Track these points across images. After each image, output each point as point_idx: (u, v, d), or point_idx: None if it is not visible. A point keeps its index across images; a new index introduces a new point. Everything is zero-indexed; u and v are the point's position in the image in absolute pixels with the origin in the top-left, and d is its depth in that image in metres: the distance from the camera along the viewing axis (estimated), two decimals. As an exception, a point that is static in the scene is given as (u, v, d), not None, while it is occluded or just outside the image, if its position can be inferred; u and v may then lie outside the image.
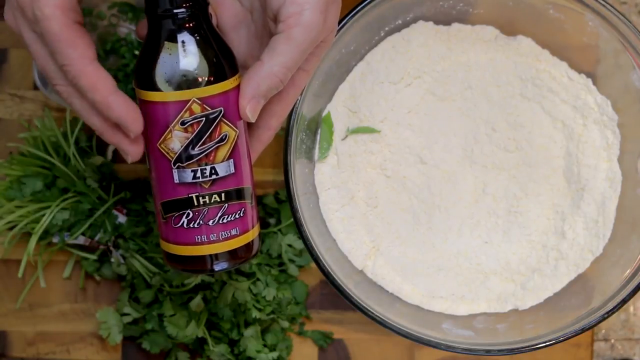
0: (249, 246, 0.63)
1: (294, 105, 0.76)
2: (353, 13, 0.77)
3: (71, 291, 0.86)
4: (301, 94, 0.77)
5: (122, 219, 0.83)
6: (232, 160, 0.61)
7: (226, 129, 0.60)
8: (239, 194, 0.62)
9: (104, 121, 0.59)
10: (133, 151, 0.60)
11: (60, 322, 0.86)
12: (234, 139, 0.61)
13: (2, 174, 0.83)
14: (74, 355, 0.86)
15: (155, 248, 0.82)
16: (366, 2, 0.77)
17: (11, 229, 0.82)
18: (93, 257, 0.84)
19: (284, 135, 0.77)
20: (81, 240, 0.83)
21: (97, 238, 0.83)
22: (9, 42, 0.87)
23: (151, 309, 0.83)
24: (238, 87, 0.61)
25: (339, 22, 0.77)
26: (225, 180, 0.61)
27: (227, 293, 0.82)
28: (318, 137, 0.83)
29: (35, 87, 0.86)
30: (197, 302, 0.81)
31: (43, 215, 0.81)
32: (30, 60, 0.86)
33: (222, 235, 0.62)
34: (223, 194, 0.61)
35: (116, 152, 0.86)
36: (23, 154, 0.84)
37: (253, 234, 0.64)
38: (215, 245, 0.62)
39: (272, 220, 0.86)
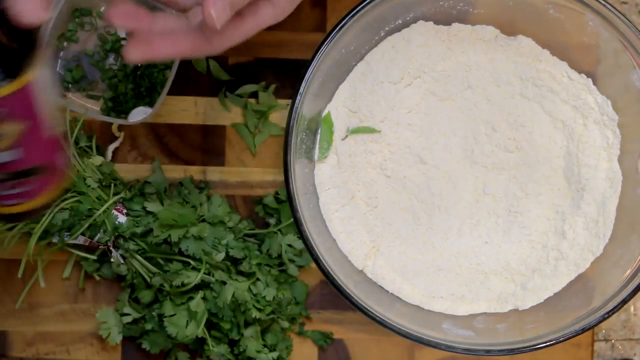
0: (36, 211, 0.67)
1: (294, 105, 0.76)
2: (353, 13, 0.77)
3: (71, 291, 0.86)
4: (301, 95, 0.77)
5: (122, 219, 0.83)
6: (19, 148, 0.62)
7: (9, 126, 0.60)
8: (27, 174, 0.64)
9: None
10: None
11: (60, 322, 0.86)
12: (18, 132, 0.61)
13: (2, 174, 0.83)
14: (74, 355, 0.86)
15: (156, 248, 0.82)
16: (366, 2, 0.77)
17: (11, 229, 0.82)
18: (93, 257, 0.84)
19: (284, 135, 0.77)
20: (81, 240, 0.82)
21: (97, 238, 0.82)
22: (9, 42, 0.87)
23: (151, 309, 0.83)
24: (18, 91, 0.59)
25: (339, 22, 0.77)
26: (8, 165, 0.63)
27: (227, 293, 0.82)
28: (318, 137, 0.83)
29: (35, 87, 0.86)
30: (197, 302, 0.81)
31: (43, 215, 0.81)
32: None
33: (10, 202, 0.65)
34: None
35: (116, 152, 0.86)
36: (23, 154, 0.84)
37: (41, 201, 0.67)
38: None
39: (272, 220, 0.86)
